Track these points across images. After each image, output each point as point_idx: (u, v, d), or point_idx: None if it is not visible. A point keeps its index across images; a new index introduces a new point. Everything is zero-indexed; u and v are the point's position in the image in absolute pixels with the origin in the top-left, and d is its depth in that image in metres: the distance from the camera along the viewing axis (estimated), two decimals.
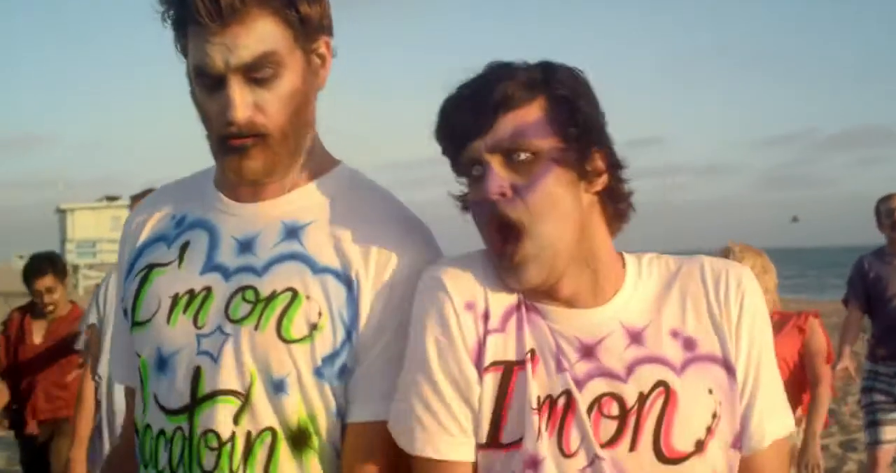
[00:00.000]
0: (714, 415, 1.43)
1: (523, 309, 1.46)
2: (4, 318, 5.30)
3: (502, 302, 1.47)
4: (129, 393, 1.72)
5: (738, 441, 1.45)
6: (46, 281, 4.94)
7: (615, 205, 1.48)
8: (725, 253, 4.14)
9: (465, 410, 1.43)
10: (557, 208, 1.40)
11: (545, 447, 1.39)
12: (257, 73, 1.44)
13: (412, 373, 1.45)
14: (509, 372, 1.43)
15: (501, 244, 1.42)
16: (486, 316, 1.45)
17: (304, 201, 1.55)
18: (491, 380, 1.43)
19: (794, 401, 4.10)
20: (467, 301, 1.46)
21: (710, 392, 1.43)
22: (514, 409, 1.42)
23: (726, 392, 1.44)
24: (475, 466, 1.45)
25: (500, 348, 1.44)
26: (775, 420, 1.47)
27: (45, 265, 4.98)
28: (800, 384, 4.20)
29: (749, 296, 1.47)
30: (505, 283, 1.46)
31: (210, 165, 1.65)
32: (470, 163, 1.44)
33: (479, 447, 1.44)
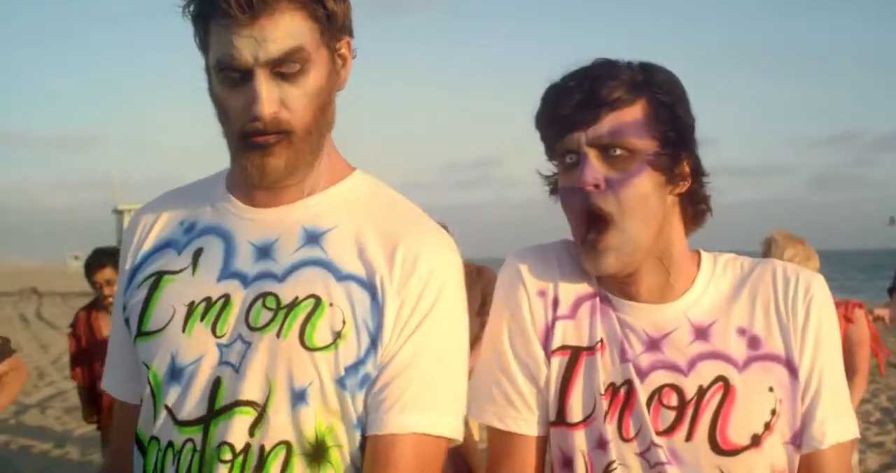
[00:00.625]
0: (773, 412, 1.49)
1: (597, 300, 1.57)
2: (72, 320, 5.48)
3: (572, 290, 1.58)
4: (120, 408, 1.66)
5: (798, 439, 1.50)
6: (106, 273, 5.10)
7: (694, 207, 1.57)
8: (769, 243, 4.20)
9: (531, 388, 1.56)
10: (645, 207, 1.48)
11: (607, 430, 1.50)
12: (285, 68, 1.40)
13: (487, 352, 1.59)
14: (576, 356, 1.55)
15: (586, 230, 1.51)
16: (556, 304, 1.57)
17: (324, 206, 1.51)
18: (558, 363, 1.55)
19: None
20: (539, 288, 1.58)
21: (771, 389, 1.49)
22: (579, 391, 1.53)
23: (787, 391, 1.50)
24: (542, 440, 1.57)
25: (569, 333, 1.56)
26: (838, 424, 1.51)
27: (105, 258, 5.15)
28: (848, 374, 4.24)
29: (817, 302, 1.53)
30: (581, 270, 1.57)
31: (216, 172, 1.63)
32: (566, 151, 1.52)
33: (551, 424, 1.56)
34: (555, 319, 1.56)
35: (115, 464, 1.66)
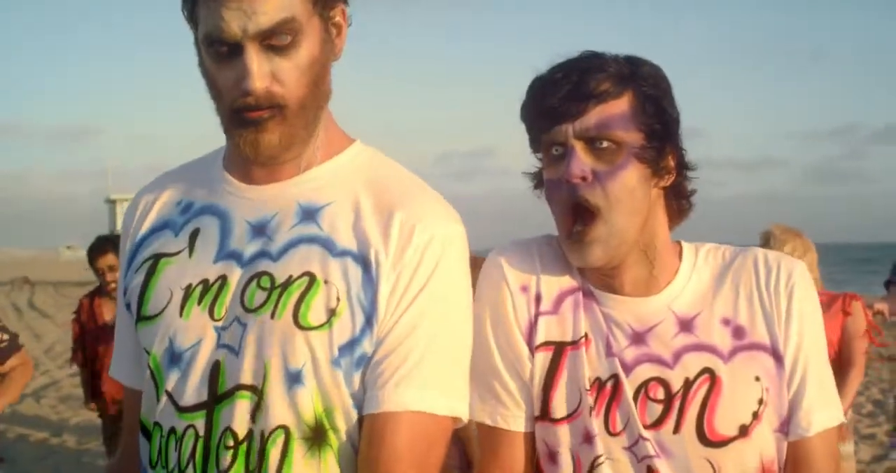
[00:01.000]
0: (761, 401, 1.49)
1: (580, 294, 1.57)
2: (76, 307, 5.51)
3: (554, 285, 1.58)
4: (129, 395, 1.63)
5: (785, 427, 1.51)
6: (108, 259, 5.15)
7: (678, 200, 1.58)
8: (767, 236, 4.23)
9: (517, 384, 1.56)
10: (631, 199, 1.49)
11: (593, 424, 1.50)
12: (275, 40, 1.35)
13: (473, 350, 1.53)
14: (560, 351, 1.55)
15: (572, 222, 1.51)
16: (539, 299, 1.57)
17: (321, 181, 1.47)
18: (542, 359, 1.55)
19: (839, 383, 4.15)
20: (522, 284, 1.58)
21: (758, 379, 1.50)
22: (564, 387, 1.53)
23: (774, 379, 1.50)
24: (531, 436, 1.57)
25: (553, 329, 1.56)
26: (823, 411, 1.51)
27: (107, 244, 5.21)
28: (845, 365, 4.27)
29: (799, 289, 1.53)
30: (564, 264, 1.57)
31: (215, 149, 1.59)
32: (553, 143, 1.51)
33: (536, 419, 1.56)
34: (538, 314, 1.56)
35: (126, 452, 1.64)
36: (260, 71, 1.35)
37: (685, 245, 1.61)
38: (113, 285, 5.14)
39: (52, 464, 7.28)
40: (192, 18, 1.41)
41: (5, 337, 4.17)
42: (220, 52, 1.37)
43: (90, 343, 5.23)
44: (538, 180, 1.60)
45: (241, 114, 1.38)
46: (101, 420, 5.45)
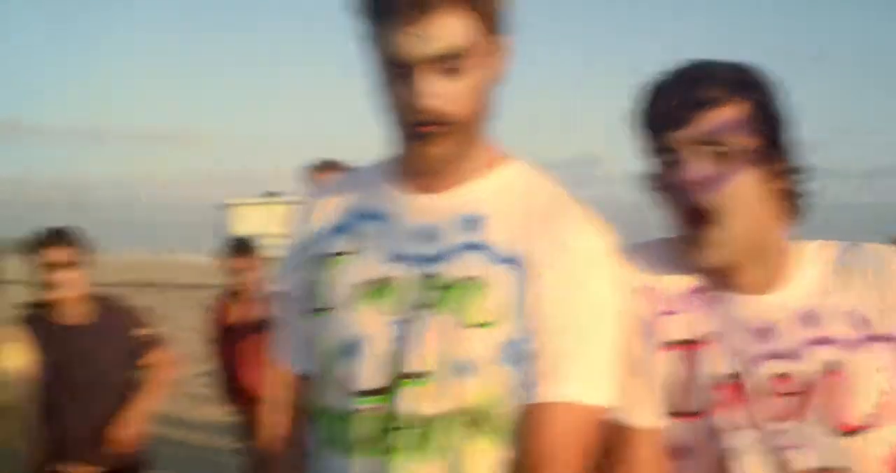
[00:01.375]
0: (886, 392, 1.51)
1: (703, 293, 1.62)
2: (206, 309, 5.61)
3: (677, 285, 1.64)
4: (294, 382, 1.76)
5: None
6: (238, 261, 5.25)
7: (792, 201, 1.61)
8: None
9: (642, 383, 1.59)
10: (746, 202, 1.54)
11: (723, 420, 1.54)
12: (448, 64, 1.49)
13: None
14: (687, 350, 1.59)
15: (691, 226, 1.56)
16: (663, 299, 1.63)
17: (481, 193, 1.60)
18: (669, 357, 1.59)
19: None
20: (646, 284, 1.63)
21: (882, 370, 1.52)
22: (694, 384, 1.57)
23: None
24: (658, 433, 1.60)
25: (678, 328, 1.61)
26: None
27: (236, 248, 5.31)
28: None
29: None
30: (684, 265, 1.62)
31: (381, 158, 1.72)
32: (667, 149, 1.57)
33: (668, 415, 1.59)
34: (663, 314, 1.62)
35: (290, 436, 1.78)
36: (432, 91, 1.49)
37: (798, 242, 1.65)
38: (239, 287, 5.24)
39: (183, 460, 7.46)
40: (370, 41, 1.54)
41: (148, 330, 4.30)
42: (396, 73, 1.51)
43: (223, 344, 5.33)
44: (652, 184, 1.64)
45: (413, 129, 1.53)
46: (236, 419, 5.54)
